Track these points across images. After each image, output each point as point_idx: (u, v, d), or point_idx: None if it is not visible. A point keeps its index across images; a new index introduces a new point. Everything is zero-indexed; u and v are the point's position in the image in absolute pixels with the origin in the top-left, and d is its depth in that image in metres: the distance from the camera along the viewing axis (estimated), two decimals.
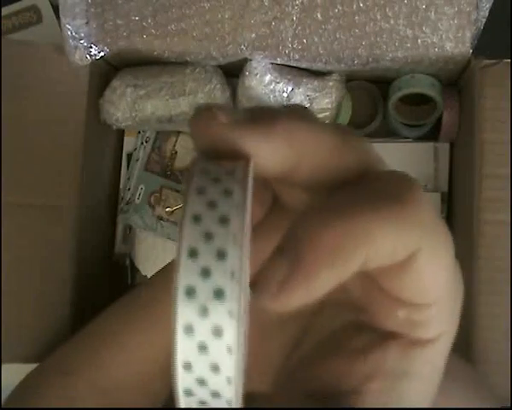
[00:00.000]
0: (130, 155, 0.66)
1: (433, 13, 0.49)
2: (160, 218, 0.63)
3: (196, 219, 0.15)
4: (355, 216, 0.16)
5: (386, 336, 0.19)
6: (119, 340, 0.46)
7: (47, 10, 0.66)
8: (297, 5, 0.51)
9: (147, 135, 0.65)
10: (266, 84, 0.57)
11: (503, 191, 0.51)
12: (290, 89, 0.57)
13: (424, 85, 0.57)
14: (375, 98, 0.63)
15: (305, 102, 0.58)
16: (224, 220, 0.15)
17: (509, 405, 0.52)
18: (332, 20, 0.51)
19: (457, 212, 0.61)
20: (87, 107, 0.57)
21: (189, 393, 0.15)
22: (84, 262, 0.59)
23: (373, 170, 0.19)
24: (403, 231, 0.17)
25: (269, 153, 0.18)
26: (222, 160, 0.17)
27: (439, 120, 0.59)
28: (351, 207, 0.17)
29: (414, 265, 0.17)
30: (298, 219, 0.17)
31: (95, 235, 0.62)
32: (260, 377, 0.23)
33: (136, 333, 0.45)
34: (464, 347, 0.52)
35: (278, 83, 0.57)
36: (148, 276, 0.64)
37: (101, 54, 0.56)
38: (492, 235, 0.51)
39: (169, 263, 0.47)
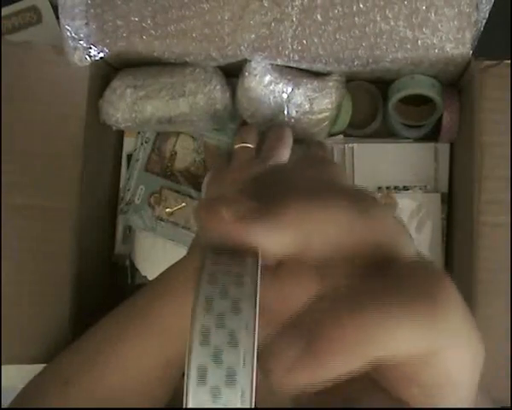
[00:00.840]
0: (130, 156, 0.66)
1: (433, 14, 0.49)
2: (160, 218, 0.63)
3: (208, 303, 0.15)
4: (378, 312, 0.16)
5: (395, 401, 0.19)
6: (116, 348, 0.46)
7: (47, 11, 0.66)
8: (296, 6, 0.51)
9: (147, 135, 0.65)
10: (266, 85, 0.57)
11: (503, 193, 0.51)
12: (290, 89, 0.57)
13: (424, 86, 0.57)
14: (375, 99, 0.62)
15: (305, 103, 0.58)
16: (236, 309, 0.15)
17: (509, 405, 0.52)
18: (332, 22, 0.51)
19: (458, 213, 0.60)
20: (87, 107, 0.57)
21: None
22: (84, 262, 0.59)
23: (396, 250, 0.18)
24: (428, 332, 0.16)
25: (276, 242, 0.18)
26: (231, 252, 0.17)
27: (440, 120, 0.59)
28: (374, 301, 0.16)
29: (437, 361, 0.17)
30: (319, 301, 0.17)
31: (95, 235, 0.62)
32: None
33: (131, 341, 0.45)
34: None
35: (278, 83, 0.57)
36: (148, 276, 0.64)
37: (101, 55, 0.56)
38: (492, 237, 0.51)
39: (164, 271, 0.47)
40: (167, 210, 0.63)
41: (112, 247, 0.66)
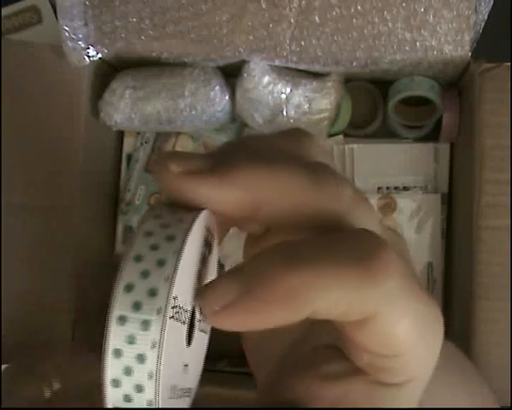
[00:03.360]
0: (130, 156, 0.66)
1: (431, 16, 0.49)
2: None
3: (138, 258, 0.16)
4: (315, 268, 0.16)
5: (357, 371, 0.20)
6: None
7: (47, 11, 0.66)
8: (294, 8, 0.51)
9: (146, 136, 0.65)
10: (265, 86, 0.57)
11: (503, 197, 0.50)
12: (289, 90, 0.57)
13: (423, 88, 0.57)
14: (375, 99, 0.62)
15: (304, 103, 0.58)
16: (161, 263, 0.16)
17: (509, 405, 0.52)
18: (329, 23, 0.50)
19: (458, 214, 0.60)
20: (87, 108, 0.58)
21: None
22: (84, 262, 0.59)
23: (345, 221, 0.19)
24: (360, 295, 0.17)
25: (221, 200, 0.18)
26: (180, 207, 0.18)
27: (440, 120, 0.59)
28: (314, 257, 0.17)
29: (375, 324, 0.17)
30: (262, 252, 0.17)
31: (95, 235, 0.63)
32: (260, 369, 0.24)
33: None
34: (464, 351, 0.52)
35: (277, 84, 0.57)
36: None
37: (99, 55, 0.56)
38: (492, 240, 0.51)
39: None
40: None
41: (112, 247, 0.66)
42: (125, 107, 0.59)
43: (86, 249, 0.59)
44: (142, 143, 0.65)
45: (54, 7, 0.66)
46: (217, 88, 0.58)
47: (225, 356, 0.60)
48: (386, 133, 0.63)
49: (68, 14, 0.54)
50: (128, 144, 0.66)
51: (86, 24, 0.55)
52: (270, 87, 0.57)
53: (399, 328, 0.18)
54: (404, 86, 0.57)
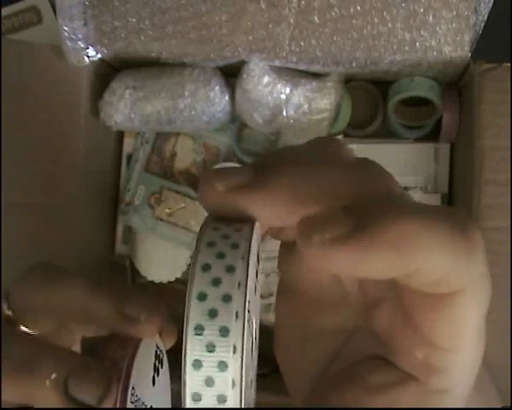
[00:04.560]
0: (129, 156, 0.66)
1: (431, 17, 0.48)
2: (160, 219, 0.64)
3: (206, 268, 0.16)
4: (429, 224, 0.16)
5: (406, 379, 0.19)
6: None
7: (47, 11, 0.66)
8: (294, 8, 0.51)
9: (146, 136, 0.65)
10: (264, 86, 0.57)
11: (503, 198, 0.50)
12: (288, 90, 0.57)
13: (423, 88, 0.57)
14: (375, 99, 0.62)
15: (304, 103, 0.58)
16: (230, 269, 0.16)
17: (509, 405, 0.52)
18: (329, 23, 0.50)
19: None
20: (87, 108, 0.58)
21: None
22: (84, 262, 0.59)
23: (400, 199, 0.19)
24: (461, 264, 0.17)
25: (267, 211, 0.18)
26: (229, 221, 0.18)
27: (440, 120, 0.59)
28: (425, 216, 0.17)
29: (453, 304, 0.17)
30: (370, 200, 0.18)
31: (95, 236, 0.63)
32: (298, 386, 0.24)
33: None
34: None
35: (276, 84, 0.57)
36: (148, 276, 0.65)
37: (99, 55, 0.56)
38: (492, 241, 0.51)
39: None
40: (167, 211, 0.64)
41: (112, 247, 0.66)
42: (125, 107, 0.59)
43: (86, 249, 0.59)
44: (142, 144, 0.65)
45: (53, 7, 0.66)
46: (217, 88, 0.58)
47: None
48: (386, 133, 0.63)
49: (68, 14, 0.54)
50: (128, 144, 0.66)
51: (86, 24, 0.55)
52: (270, 87, 0.57)
53: (471, 316, 0.18)
54: (403, 86, 0.57)
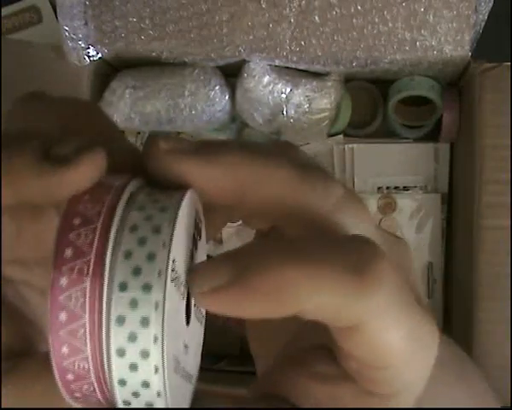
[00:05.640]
0: None
1: (431, 16, 0.49)
2: None
3: (133, 229, 0.17)
4: (309, 268, 0.16)
5: (346, 376, 0.19)
6: None
7: (47, 10, 0.66)
8: (294, 7, 0.51)
9: (146, 136, 0.65)
10: (265, 86, 0.57)
11: (504, 197, 0.50)
12: (289, 90, 0.57)
13: (424, 88, 0.57)
14: (375, 98, 0.62)
15: (304, 103, 0.58)
16: (157, 230, 0.17)
17: (509, 405, 0.52)
18: (330, 23, 0.50)
19: (458, 214, 0.60)
20: None
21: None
22: None
23: (331, 221, 0.19)
24: (349, 304, 0.17)
25: (204, 179, 0.18)
26: (168, 188, 0.18)
27: (440, 120, 0.59)
28: (309, 257, 0.17)
29: (362, 334, 0.17)
30: (257, 243, 0.18)
31: None
32: (260, 359, 0.25)
33: None
34: (465, 351, 0.52)
35: (277, 84, 0.57)
36: None
37: (99, 55, 0.56)
38: (493, 240, 0.51)
39: None
40: None
41: None
42: (125, 107, 0.59)
43: None
44: (142, 143, 0.65)
45: (54, 7, 0.66)
46: (217, 88, 0.58)
47: (225, 356, 0.60)
48: (386, 133, 0.63)
49: (68, 13, 0.54)
50: None
51: (86, 24, 0.55)
52: (270, 87, 0.57)
53: (386, 340, 0.17)
54: (404, 86, 0.57)
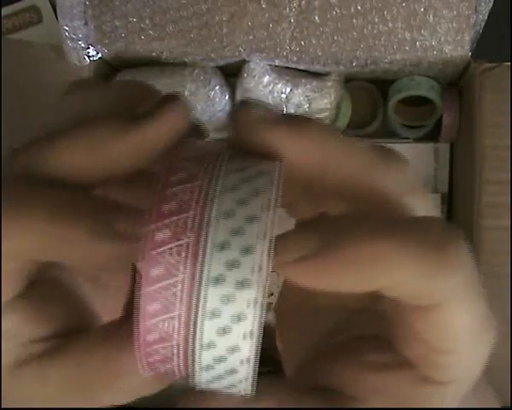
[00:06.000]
0: None
1: (431, 16, 0.49)
2: None
3: (233, 189, 0.16)
4: (396, 243, 0.16)
5: (404, 364, 0.19)
6: None
7: (47, 10, 0.66)
8: (294, 8, 0.51)
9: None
10: (265, 86, 0.57)
11: (504, 197, 0.50)
12: (289, 90, 0.57)
13: (424, 88, 0.57)
14: (375, 99, 0.62)
15: (304, 103, 0.58)
16: (256, 192, 0.16)
17: (509, 405, 0.52)
18: (329, 23, 0.50)
19: (458, 214, 0.60)
20: None
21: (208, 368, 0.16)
22: None
23: (404, 203, 0.19)
24: (429, 283, 0.17)
25: (296, 153, 0.18)
26: (256, 156, 0.18)
27: (440, 120, 0.59)
28: (394, 234, 0.17)
29: (438, 314, 0.17)
30: (340, 217, 0.18)
31: None
32: (293, 359, 0.24)
33: None
34: None
35: (277, 84, 0.57)
36: None
37: (99, 55, 0.56)
38: (493, 240, 0.51)
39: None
40: None
41: None
42: None
43: None
44: None
45: (54, 7, 0.66)
46: (217, 88, 0.58)
47: None
48: (387, 133, 0.63)
49: (68, 13, 0.54)
50: None
51: (86, 24, 0.55)
52: (270, 87, 0.57)
53: (460, 322, 0.18)
54: (404, 86, 0.57)
